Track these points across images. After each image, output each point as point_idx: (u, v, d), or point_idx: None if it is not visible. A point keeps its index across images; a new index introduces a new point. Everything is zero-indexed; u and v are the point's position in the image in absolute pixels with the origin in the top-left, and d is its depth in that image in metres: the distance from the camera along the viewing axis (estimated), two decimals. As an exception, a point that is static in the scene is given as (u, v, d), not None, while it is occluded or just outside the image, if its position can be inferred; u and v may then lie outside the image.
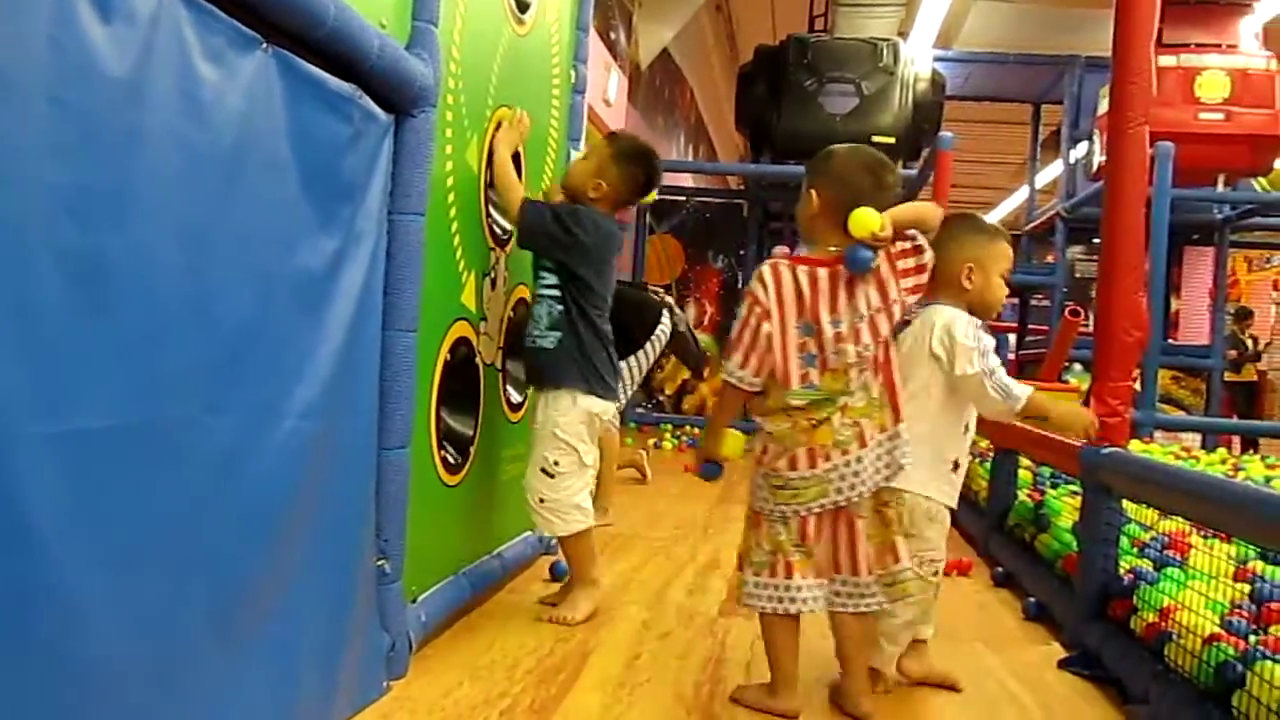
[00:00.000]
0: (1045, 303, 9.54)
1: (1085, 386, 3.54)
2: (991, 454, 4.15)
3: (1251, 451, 8.27)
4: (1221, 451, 6.27)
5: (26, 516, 1.07)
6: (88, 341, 1.17)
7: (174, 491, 1.32)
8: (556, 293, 2.59)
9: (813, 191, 2.10)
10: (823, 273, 2.06)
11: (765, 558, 2.13)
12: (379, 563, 2.02)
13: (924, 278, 2.08)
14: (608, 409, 2.72)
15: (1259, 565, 2.46)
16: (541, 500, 2.61)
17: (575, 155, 2.87)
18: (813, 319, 2.05)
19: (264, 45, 1.50)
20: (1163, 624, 2.26)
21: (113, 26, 1.18)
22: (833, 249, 2.06)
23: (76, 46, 1.13)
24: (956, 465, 2.26)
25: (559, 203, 2.64)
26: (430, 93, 2.02)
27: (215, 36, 1.38)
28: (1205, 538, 2.92)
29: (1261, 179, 8.61)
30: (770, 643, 2.17)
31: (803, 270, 2.07)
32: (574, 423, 2.61)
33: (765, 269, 2.09)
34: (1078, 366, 7.94)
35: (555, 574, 3.00)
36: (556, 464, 2.59)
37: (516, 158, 2.72)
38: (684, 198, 9.37)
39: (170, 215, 1.30)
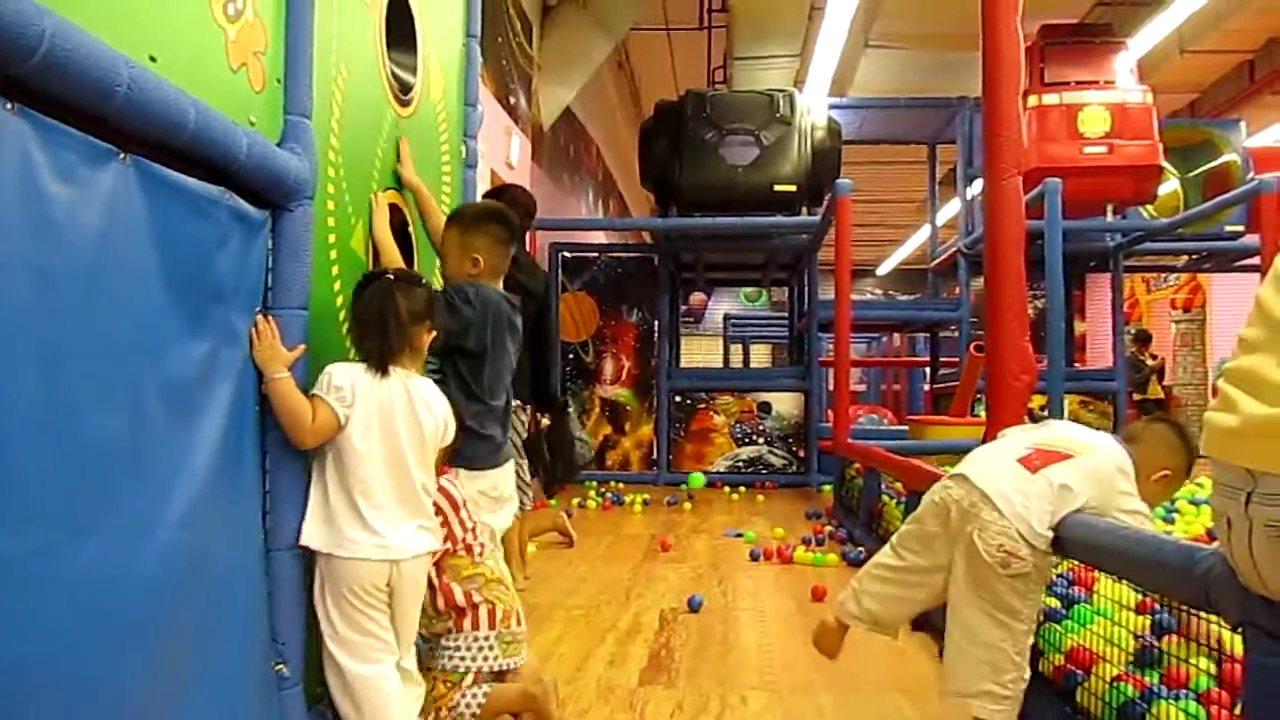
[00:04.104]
0: (955, 334, 9.75)
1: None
2: (906, 494, 4.20)
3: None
4: (1129, 474, 6.42)
5: None
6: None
7: (38, 623, 1.27)
8: (438, 375, 2.52)
9: None
10: None
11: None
12: (277, 667, 1.96)
13: None
14: (495, 481, 2.65)
15: (1158, 597, 2.51)
16: None
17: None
18: None
19: (121, 156, 1.47)
20: (1070, 665, 2.30)
21: (-52, 155, 1.15)
22: None
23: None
24: None
25: (447, 286, 2.61)
26: (306, 186, 2.01)
27: (66, 153, 1.35)
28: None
29: (1148, 206, 8.97)
30: None
31: None
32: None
33: None
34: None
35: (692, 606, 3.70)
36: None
37: (405, 230, 2.72)
38: (595, 254, 9.42)
39: (24, 339, 1.27)
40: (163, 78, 1.53)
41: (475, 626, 2.30)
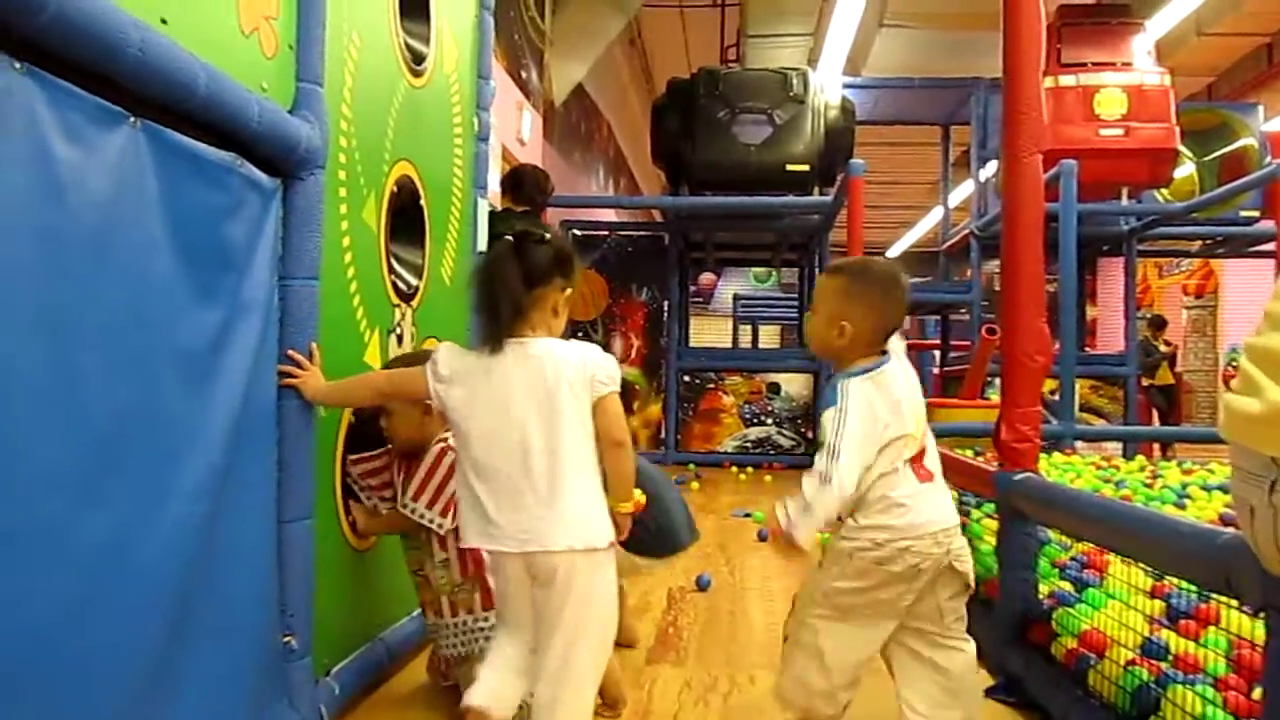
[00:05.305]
0: (967, 317, 9.69)
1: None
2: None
3: (1167, 455, 8.49)
4: (1140, 459, 6.39)
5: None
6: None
7: (47, 597, 1.26)
8: None
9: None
10: None
11: None
12: (285, 639, 1.96)
13: None
14: None
15: (1173, 581, 2.49)
16: None
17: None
18: None
19: (131, 119, 1.45)
20: (1082, 649, 2.28)
21: (-46, 114, 1.13)
22: None
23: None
24: None
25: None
26: (317, 155, 1.98)
27: (73, 113, 1.33)
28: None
29: (1163, 190, 8.89)
30: None
31: None
32: None
33: None
34: (999, 382, 8.07)
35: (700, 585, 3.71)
36: None
37: (417, 202, 2.70)
38: (606, 232, 9.38)
39: (29, 305, 1.25)
40: (174, 40, 1.50)
41: None
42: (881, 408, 1.85)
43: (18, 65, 1.22)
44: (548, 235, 1.89)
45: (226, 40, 1.74)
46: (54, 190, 1.30)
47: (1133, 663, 2.08)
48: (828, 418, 1.84)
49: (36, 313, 1.26)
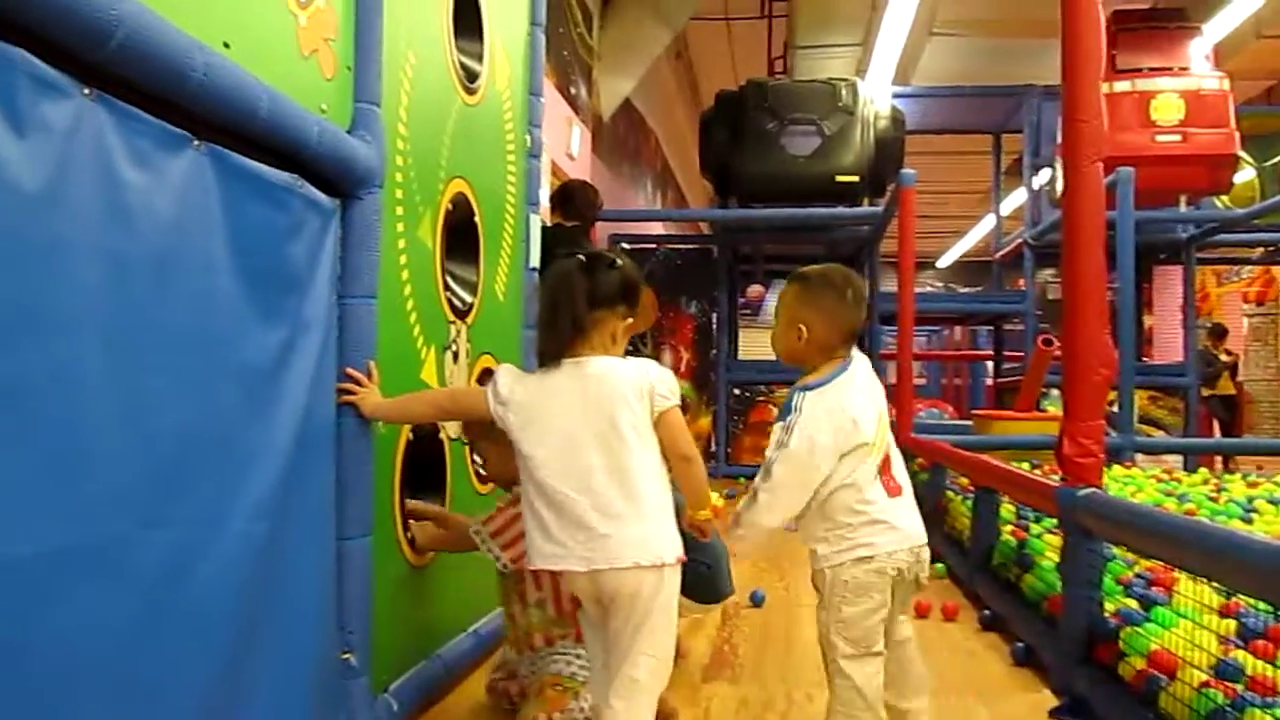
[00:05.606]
0: (1021, 327, 9.56)
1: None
2: (976, 489, 4.11)
3: (1230, 467, 8.30)
4: (1203, 472, 6.26)
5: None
6: (10, 467, 1.12)
7: (111, 615, 1.27)
8: None
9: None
10: None
11: None
12: (344, 656, 1.96)
13: None
14: None
15: (1245, 599, 2.41)
16: None
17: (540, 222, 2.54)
18: None
19: (195, 142, 1.47)
20: (1152, 669, 2.22)
21: (27, 140, 1.15)
22: None
23: (-13, 165, 1.10)
24: None
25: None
26: (375, 174, 2.00)
27: (140, 139, 1.35)
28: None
29: (1223, 197, 8.71)
30: None
31: None
32: None
33: None
34: (1055, 393, 7.94)
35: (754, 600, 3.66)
36: None
37: (471, 228, 2.71)
38: (654, 245, 9.39)
39: (95, 327, 1.26)
40: (236, 64, 1.52)
41: None
42: (838, 416, 1.90)
43: (86, 91, 1.25)
44: (619, 261, 1.90)
45: (287, 63, 1.76)
46: (121, 213, 1.32)
47: (1206, 684, 2.02)
48: (775, 430, 1.94)
49: (103, 333, 1.27)
